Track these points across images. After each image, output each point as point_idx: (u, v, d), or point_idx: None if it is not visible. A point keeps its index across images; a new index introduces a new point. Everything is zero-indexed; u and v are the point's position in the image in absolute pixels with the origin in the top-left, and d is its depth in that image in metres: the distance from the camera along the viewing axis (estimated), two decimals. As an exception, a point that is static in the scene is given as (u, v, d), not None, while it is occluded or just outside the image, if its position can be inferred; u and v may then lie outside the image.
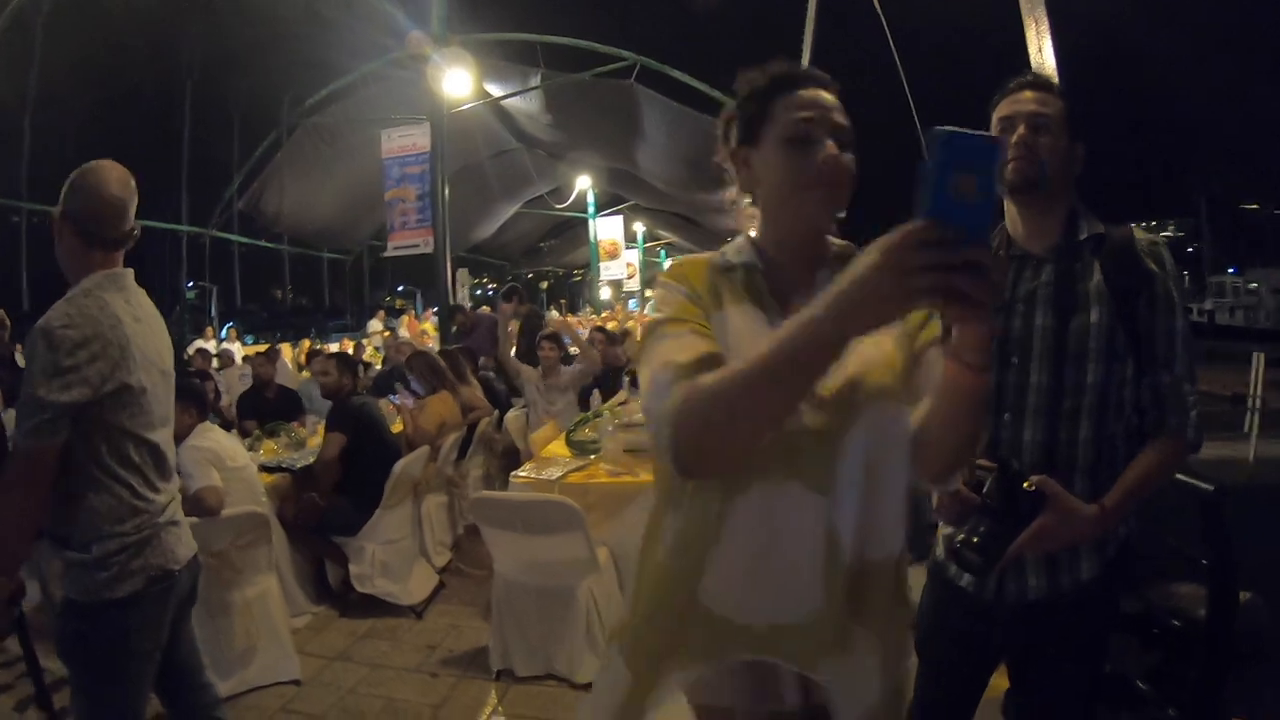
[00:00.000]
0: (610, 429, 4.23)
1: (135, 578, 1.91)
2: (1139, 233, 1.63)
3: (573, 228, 22.79)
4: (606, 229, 19.34)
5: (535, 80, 10.55)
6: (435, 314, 18.15)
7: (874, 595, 1.14)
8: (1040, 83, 1.68)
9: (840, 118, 1.19)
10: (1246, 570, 1.82)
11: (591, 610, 3.31)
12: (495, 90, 10.82)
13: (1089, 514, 1.50)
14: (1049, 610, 1.61)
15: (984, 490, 1.46)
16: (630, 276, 23.56)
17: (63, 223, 1.94)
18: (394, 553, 4.19)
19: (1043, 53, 3.30)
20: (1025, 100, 1.64)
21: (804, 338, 0.88)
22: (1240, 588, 1.85)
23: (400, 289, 25.19)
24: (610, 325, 10.62)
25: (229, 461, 3.54)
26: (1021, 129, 1.62)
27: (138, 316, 1.98)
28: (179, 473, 3.30)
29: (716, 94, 10.74)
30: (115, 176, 1.97)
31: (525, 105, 11.49)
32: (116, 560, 1.88)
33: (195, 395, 3.73)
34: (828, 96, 1.20)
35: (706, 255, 1.31)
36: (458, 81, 8.62)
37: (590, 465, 4.01)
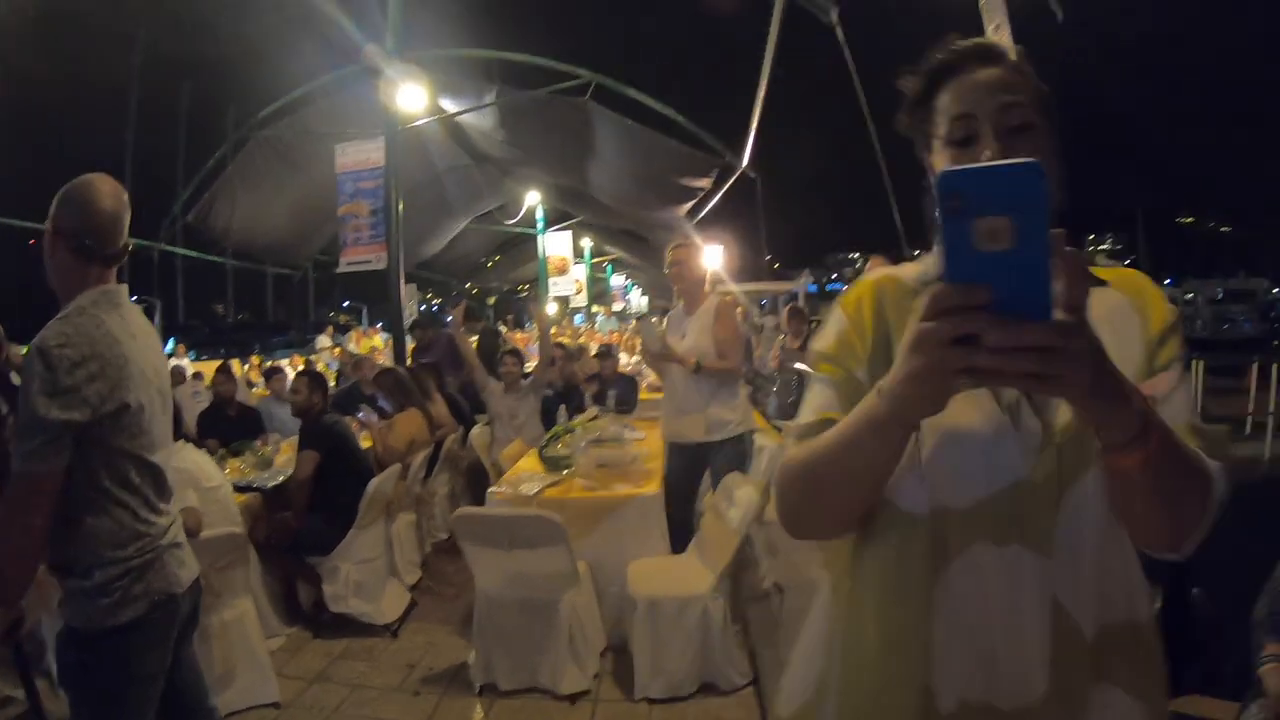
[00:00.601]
0: (583, 445, 4.28)
1: (138, 603, 1.86)
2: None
3: (520, 244, 22.72)
4: (555, 245, 19.34)
5: (491, 97, 10.56)
6: (380, 329, 17.98)
7: (1116, 665, 0.94)
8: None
9: (1007, 97, 0.96)
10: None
11: (574, 622, 3.36)
12: (450, 106, 10.80)
13: None
14: None
15: None
16: (578, 292, 23.59)
17: (55, 238, 1.89)
18: (368, 572, 4.17)
19: None
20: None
21: (867, 428, 0.83)
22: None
23: (345, 305, 24.84)
24: (563, 340, 10.67)
25: (205, 482, 3.51)
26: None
27: (133, 333, 1.93)
28: None
29: (670, 112, 10.92)
30: (108, 190, 1.93)
31: (479, 121, 11.48)
32: (119, 586, 1.83)
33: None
34: (988, 76, 0.98)
35: (902, 270, 1.09)
36: (412, 97, 8.59)
37: (565, 480, 4.06)
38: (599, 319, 25.57)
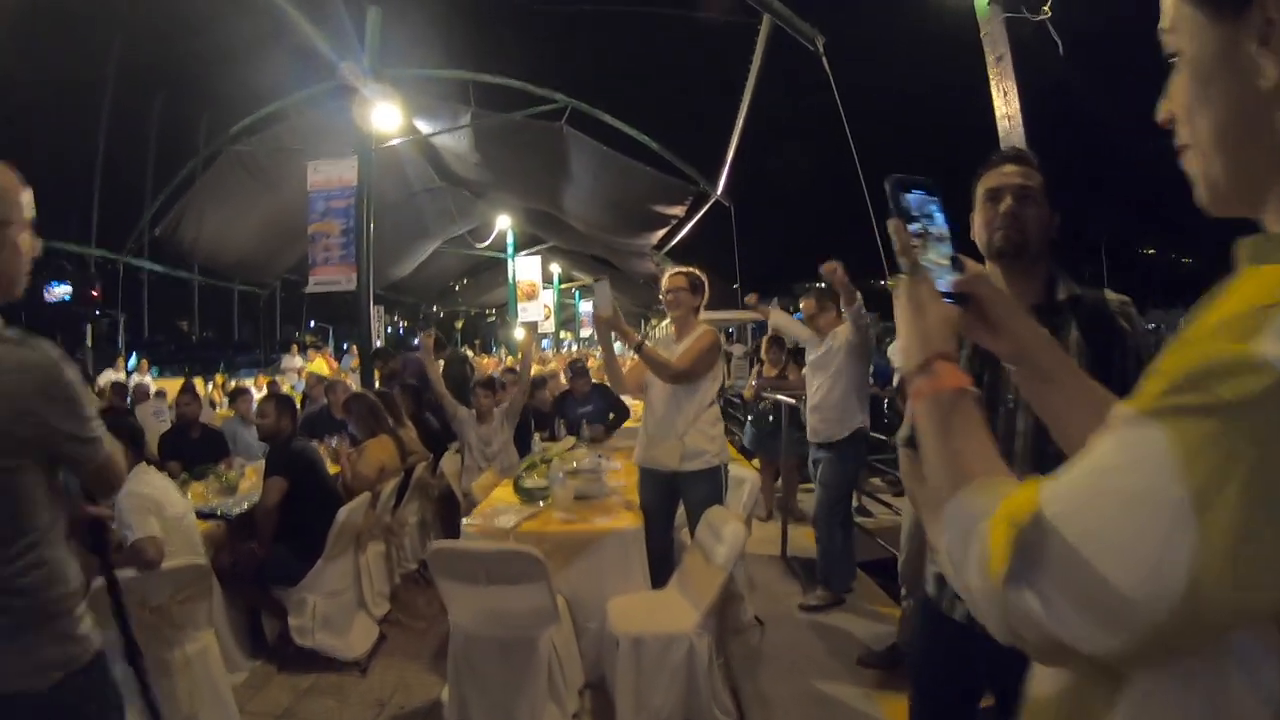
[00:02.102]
0: (560, 476, 4.19)
1: (96, 628, 1.73)
2: (1109, 294, 1.80)
3: (489, 268, 22.60)
4: (525, 269, 19.24)
5: (466, 119, 10.50)
6: (325, 353, 17.70)
7: None
8: (1022, 157, 1.85)
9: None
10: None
11: (553, 660, 3.26)
12: (425, 127, 10.73)
13: None
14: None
15: None
16: (547, 318, 23.50)
17: None
18: (335, 605, 4.03)
19: (1010, 120, 3.48)
20: (1010, 173, 1.80)
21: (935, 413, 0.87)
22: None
23: (312, 325, 24.45)
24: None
25: (168, 509, 3.36)
26: (1008, 200, 1.77)
27: None
28: (118, 520, 3.11)
29: (645, 139, 10.94)
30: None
31: (453, 143, 11.41)
32: (86, 612, 1.70)
33: (131, 433, 3.52)
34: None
35: None
36: (387, 116, 8.52)
37: (541, 513, 3.96)
38: (566, 344, 25.52)
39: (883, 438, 6.11)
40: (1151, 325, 30.57)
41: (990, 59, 3.38)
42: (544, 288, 21.10)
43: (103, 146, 11.33)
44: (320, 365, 13.17)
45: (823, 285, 4.89)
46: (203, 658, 3.21)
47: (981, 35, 3.45)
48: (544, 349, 24.91)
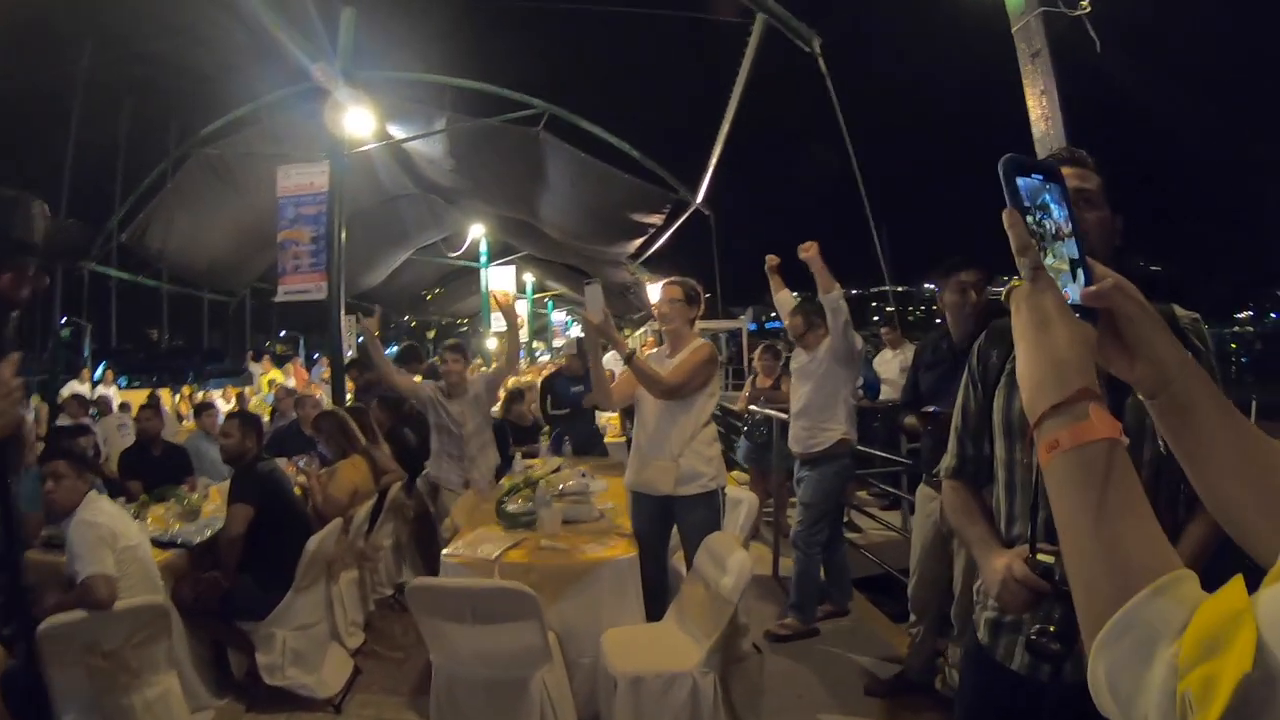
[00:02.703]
0: (547, 499, 3.96)
1: None
2: (1178, 310, 1.63)
3: (462, 276, 22.30)
4: (499, 279, 18.97)
5: (441, 124, 10.25)
6: (316, 361, 17.28)
7: None
8: (1078, 158, 1.66)
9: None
10: None
11: (545, 701, 3.02)
12: (398, 132, 10.46)
13: None
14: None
15: (1055, 576, 1.39)
16: (520, 327, 23.23)
17: None
18: (306, 639, 3.76)
19: (1048, 122, 3.29)
20: (1067, 176, 1.61)
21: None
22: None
23: (283, 334, 23.93)
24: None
25: (121, 540, 3.09)
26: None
27: None
28: (68, 553, 2.85)
29: (625, 146, 10.75)
30: None
31: (427, 149, 11.15)
32: None
33: (81, 460, 3.26)
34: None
35: None
36: (360, 121, 8.25)
37: (527, 540, 3.72)
38: (540, 354, 25.25)
39: (871, 451, 5.95)
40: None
41: (1024, 56, 3.20)
42: (517, 297, 20.87)
43: (70, 151, 10.90)
44: (276, 374, 12.77)
45: (811, 298, 4.69)
46: (164, 702, 2.96)
47: (1013, 30, 3.28)
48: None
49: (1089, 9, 3.10)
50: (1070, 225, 0.80)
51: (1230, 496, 0.78)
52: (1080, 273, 0.78)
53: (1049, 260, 0.78)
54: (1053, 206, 0.80)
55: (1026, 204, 0.79)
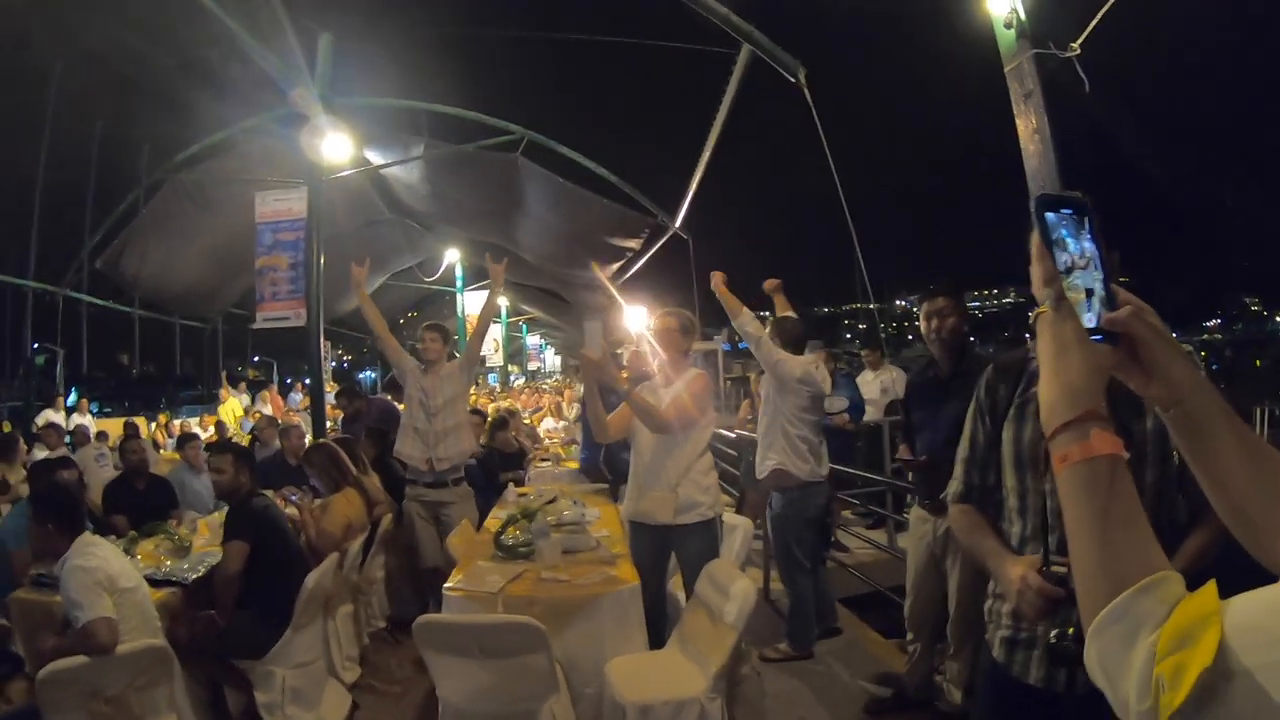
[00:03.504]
0: (544, 530, 3.95)
1: None
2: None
3: (437, 300, 22.23)
4: (474, 303, 18.95)
5: (418, 149, 10.25)
6: (291, 388, 17.10)
7: None
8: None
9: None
10: None
11: (553, 735, 3.00)
12: (376, 158, 10.44)
13: None
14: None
15: (1069, 584, 1.44)
16: (495, 351, 23.18)
17: None
18: (305, 676, 3.72)
19: (1040, 159, 3.37)
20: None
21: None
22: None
23: (256, 360, 23.60)
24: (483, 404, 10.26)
25: (121, 582, 3.04)
26: None
27: None
28: (64, 599, 2.79)
29: (603, 171, 10.81)
30: None
31: (404, 175, 11.14)
32: None
33: (68, 504, 3.20)
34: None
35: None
36: (338, 146, 8.22)
37: (528, 572, 3.70)
38: (513, 378, 25.22)
39: (852, 471, 6.01)
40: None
41: (1017, 96, 3.28)
42: (493, 321, 20.81)
43: (42, 175, 10.73)
44: (235, 405, 12.59)
45: (782, 317, 4.75)
46: (165, 749, 2.88)
47: (1006, 70, 3.36)
48: (490, 382, 24.52)
49: (1079, 52, 3.20)
50: (1090, 256, 0.88)
51: (1241, 504, 0.86)
52: (1095, 300, 0.87)
53: (1079, 285, 0.87)
54: (1069, 240, 0.88)
55: (1061, 236, 0.88)
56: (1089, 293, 0.87)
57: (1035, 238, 0.90)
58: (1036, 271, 0.90)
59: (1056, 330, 0.87)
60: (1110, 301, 0.87)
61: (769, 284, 4.86)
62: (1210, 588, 0.67)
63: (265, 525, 3.88)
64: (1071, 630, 1.43)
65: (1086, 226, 0.89)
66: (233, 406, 12.61)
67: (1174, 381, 0.88)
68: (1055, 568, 1.52)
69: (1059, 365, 0.86)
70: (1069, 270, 0.88)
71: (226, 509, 4.04)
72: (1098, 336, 0.86)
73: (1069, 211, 0.89)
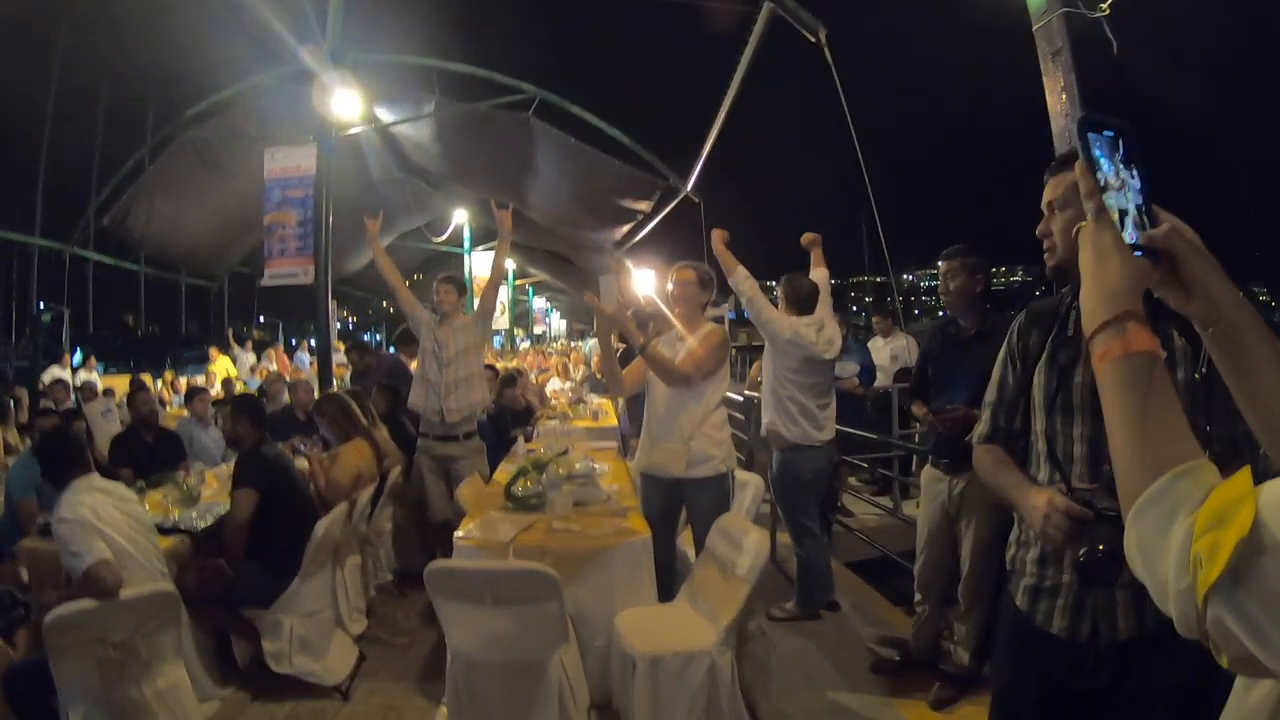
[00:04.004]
0: (556, 482, 3.94)
1: None
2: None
3: (444, 261, 22.12)
4: (481, 264, 18.86)
5: (429, 108, 10.12)
6: (297, 348, 17.07)
7: None
8: (1058, 164, 1.75)
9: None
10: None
11: (564, 683, 3.01)
12: (386, 115, 10.33)
13: None
14: (1139, 649, 1.59)
15: (1095, 504, 1.46)
16: (501, 314, 23.11)
17: None
18: (313, 626, 3.72)
19: (1069, 116, 3.29)
20: (1048, 187, 1.74)
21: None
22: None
23: (261, 320, 23.57)
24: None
25: (110, 529, 2.97)
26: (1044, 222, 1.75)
27: None
28: (61, 552, 2.78)
29: (615, 132, 10.69)
30: None
31: (415, 133, 11.02)
32: None
33: (75, 445, 3.18)
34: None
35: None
36: (348, 104, 8.12)
37: (539, 523, 3.70)
38: (519, 341, 25.18)
39: (854, 432, 5.95)
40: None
41: (1044, 54, 3.20)
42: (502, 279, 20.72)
43: (48, 132, 10.62)
44: (226, 364, 12.53)
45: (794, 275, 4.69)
46: (175, 693, 2.90)
47: (1034, 29, 3.28)
48: (495, 345, 24.50)
49: (1108, 12, 3.12)
50: (1142, 175, 0.92)
51: (1275, 416, 0.90)
52: (1128, 220, 0.90)
53: (1121, 204, 0.91)
54: (1102, 161, 0.91)
55: (1104, 156, 0.91)
56: (1122, 214, 0.90)
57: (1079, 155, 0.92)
58: (1080, 186, 0.92)
59: (1096, 239, 0.89)
60: (1151, 220, 0.91)
61: (807, 237, 4.80)
62: (1245, 473, 0.69)
63: (276, 473, 3.87)
64: (1101, 546, 1.41)
65: (1121, 149, 0.92)
66: (225, 364, 12.61)
67: (1213, 298, 0.92)
68: (1079, 487, 1.53)
69: (1099, 271, 0.88)
70: (1133, 189, 0.91)
71: (235, 459, 4.02)
72: (1138, 253, 0.89)
73: (1110, 134, 0.92)
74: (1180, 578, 0.69)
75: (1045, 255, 1.74)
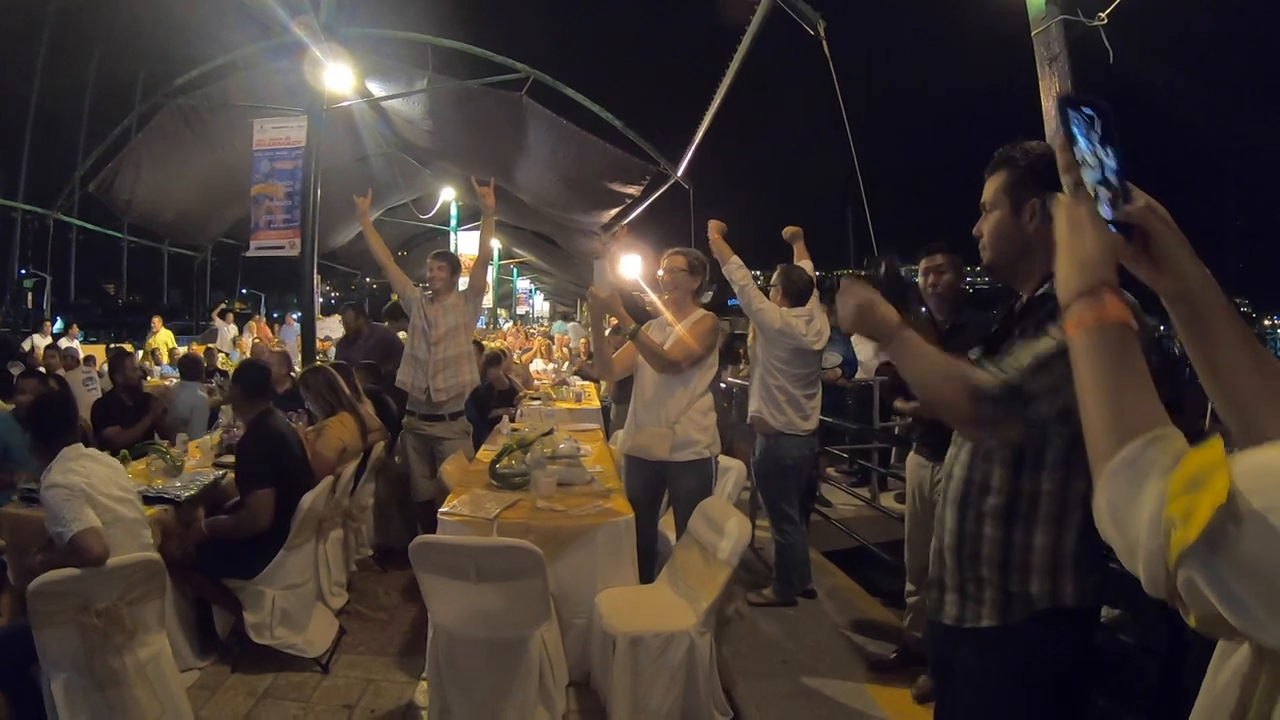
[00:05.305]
0: (541, 461, 3.97)
1: None
2: None
3: (429, 239, 21.98)
4: (467, 243, 18.73)
5: (421, 83, 10.04)
6: (279, 320, 16.93)
7: None
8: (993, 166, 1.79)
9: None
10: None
11: (544, 659, 3.05)
12: (377, 90, 10.24)
13: None
14: (957, 637, 1.69)
15: None
16: (487, 293, 22.96)
17: None
18: (295, 598, 3.73)
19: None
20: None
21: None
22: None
23: (244, 292, 23.37)
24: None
25: (103, 497, 2.96)
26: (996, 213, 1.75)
27: None
28: (47, 517, 2.76)
29: (608, 116, 10.64)
30: None
31: (406, 108, 10.93)
32: None
33: (44, 422, 3.12)
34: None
35: None
36: (340, 76, 8.03)
37: (522, 501, 3.72)
38: (501, 321, 25.07)
39: (833, 421, 5.99)
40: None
41: (1042, 60, 3.22)
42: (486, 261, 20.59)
43: (35, 95, 10.44)
44: (167, 337, 12.34)
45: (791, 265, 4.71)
46: (157, 664, 2.89)
47: (1033, 34, 3.30)
48: (479, 325, 24.35)
49: (1106, 21, 3.15)
50: (1118, 154, 0.95)
51: (1237, 389, 0.94)
52: (1103, 196, 0.94)
53: (1097, 181, 0.95)
54: (1079, 137, 0.95)
55: (1082, 135, 0.96)
56: (1097, 190, 0.94)
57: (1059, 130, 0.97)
58: (1058, 160, 0.96)
59: (1072, 213, 0.94)
60: (1126, 196, 0.94)
61: (788, 230, 4.82)
62: (1216, 441, 0.71)
63: (283, 455, 3.82)
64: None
65: (1099, 128, 0.96)
66: (165, 338, 12.42)
67: (1183, 274, 0.95)
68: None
69: (1074, 242, 0.92)
70: (1109, 167, 0.95)
71: (236, 454, 3.93)
72: (1112, 228, 0.93)
73: (1089, 112, 0.96)
74: (1153, 537, 0.71)
75: (980, 254, 1.79)
